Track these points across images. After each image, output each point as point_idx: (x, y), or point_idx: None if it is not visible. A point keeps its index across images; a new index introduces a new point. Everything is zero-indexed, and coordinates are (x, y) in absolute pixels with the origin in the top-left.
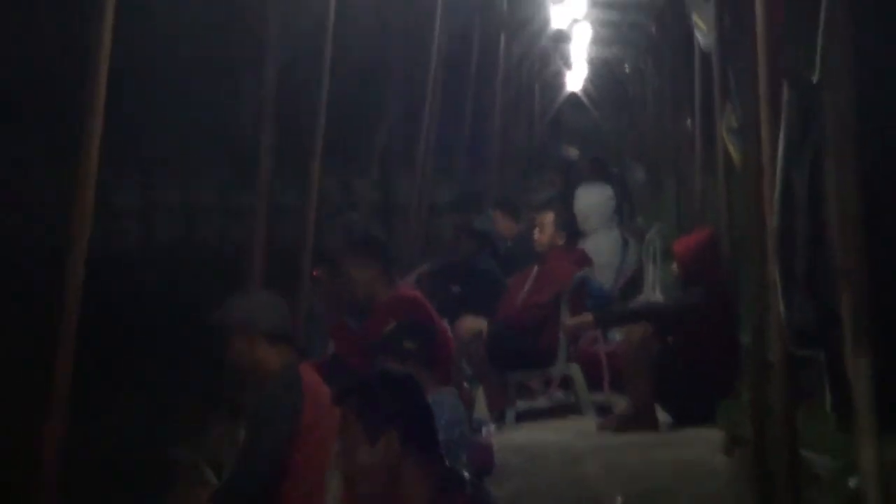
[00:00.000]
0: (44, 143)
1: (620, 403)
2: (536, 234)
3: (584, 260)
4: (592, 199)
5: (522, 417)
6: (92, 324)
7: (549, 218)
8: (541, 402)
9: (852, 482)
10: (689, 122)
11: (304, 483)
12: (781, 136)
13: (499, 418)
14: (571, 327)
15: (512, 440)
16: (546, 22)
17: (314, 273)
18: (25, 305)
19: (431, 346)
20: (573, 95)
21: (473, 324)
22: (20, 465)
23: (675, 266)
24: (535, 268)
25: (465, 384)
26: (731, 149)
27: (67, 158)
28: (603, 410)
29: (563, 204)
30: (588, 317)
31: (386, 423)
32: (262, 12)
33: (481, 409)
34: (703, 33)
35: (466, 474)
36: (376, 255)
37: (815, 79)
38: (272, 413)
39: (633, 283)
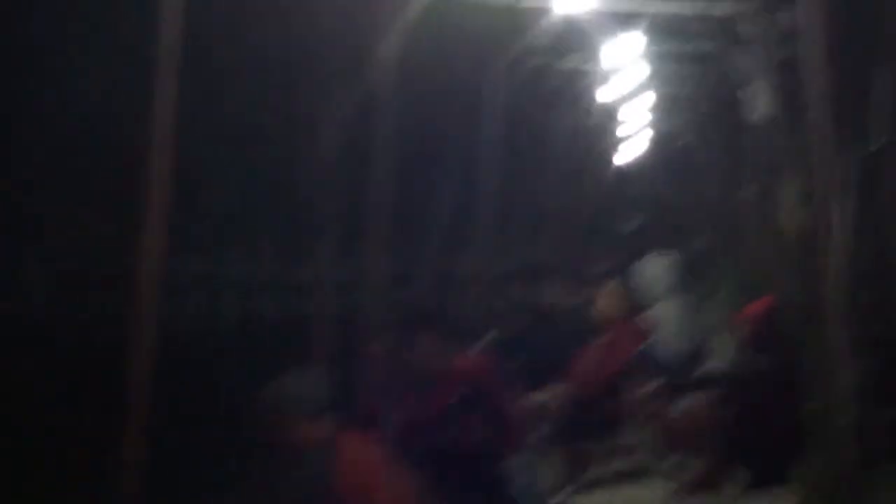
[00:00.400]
0: (109, 212)
1: (691, 468)
2: (598, 306)
3: (651, 328)
4: (656, 269)
5: (593, 484)
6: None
7: (610, 289)
8: (612, 468)
9: None
10: (748, 192)
11: None
12: (847, 202)
13: (569, 486)
14: (640, 395)
15: None
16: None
17: (374, 349)
18: (94, 381)
19: (499, 415)
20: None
21: (546, 395)
22: None
23: (738, 333)
24: (600, 339)
25: (536, 453)
26: (791, 218)
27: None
28: (675, 475)
29: (626, 274)
30: (656, 384)
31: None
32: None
33: (553, 476)
34: (756, 107)
35: None
36: (439, 328)
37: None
38: (311, 488)
39: (701, 351)
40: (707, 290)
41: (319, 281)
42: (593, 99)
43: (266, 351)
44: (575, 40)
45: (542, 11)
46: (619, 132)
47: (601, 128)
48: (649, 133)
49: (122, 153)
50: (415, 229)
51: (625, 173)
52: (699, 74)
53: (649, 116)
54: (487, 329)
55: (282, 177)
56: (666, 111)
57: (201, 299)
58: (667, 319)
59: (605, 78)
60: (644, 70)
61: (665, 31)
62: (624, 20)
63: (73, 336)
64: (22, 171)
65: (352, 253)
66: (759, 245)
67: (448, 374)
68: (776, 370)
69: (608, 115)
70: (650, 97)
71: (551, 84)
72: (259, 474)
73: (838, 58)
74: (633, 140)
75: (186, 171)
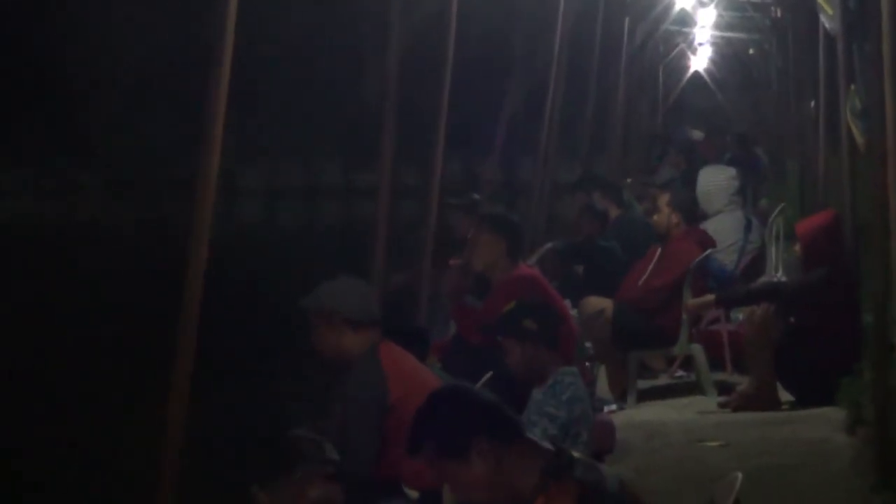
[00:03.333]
0: (172, 130)
1: (742, 382)
2: (655, 216)
3: (707, 241)
4: (716, 181)
5: (644, 396)
6: (216, 307)
7: (664, 199)
8: (662, 380)
9: None
10: (812, 104)
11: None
12: None
13: (620, 397)
14: (694, 307)
15: (633, 418)
16: (670, 5)
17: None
18: (149, 286)
19: (552, 325)
20: (697, 76)
21: (598, 303)
22: (146, 444)
23: (797, 247)
24: (659, 249)
25: (587, 363)
26: (855, 132)
27: (195, 144)
28: (725, 389)
29: (686, 185)
30: (710, 297)
31: (462, 438)
32: None
33: (603, 388)
34: (828, 16)
35: (577, 454)
36: (506, 233)
37: None
38: (361, 399)
39: (756, 265)
40: (769, 203)
41: (382, 188)
42: (664, 10)
43: (324, 259)
44: None
45: None
46: (687, 44)
47: (669, 39)
48: (717, 43)
49: (183, 65)
50: (480, 140)
51: (690, 84)
52: None
53: (717, 28)
54: (547, 237)
55: (347, 90)
56: (732, 23)
57: (261, 207)
58: (725, 231)
59: None
60: None
61: None
62: None
63: (130, 242)
64: (81, 82)
65: (414, 163)
66: (821, 158)
67: (504, 281)
68: (833, 285)
69: (677, 25)
70: (716, 8)
71: None
72: (305, 382)
73: None
74: (700, 51)
75: (249, 81)
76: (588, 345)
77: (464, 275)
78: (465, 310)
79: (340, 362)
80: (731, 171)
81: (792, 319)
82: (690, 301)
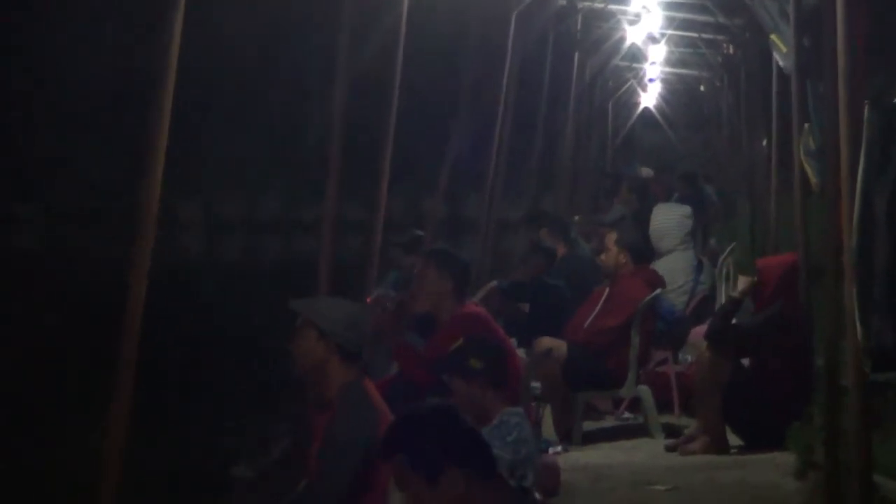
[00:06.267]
0: (112, 161)
1: (690, 425)
2: (603, 255)
3: (656, 281)
4: (670, 219)
5: (590, 438)
6: (155, 336)
7: (612, 238)
8: (609, 422)
9: None
10: (764, 142)
11: (386, 494)
12: (862, 157)
13: (566, 438)
14: (642, 349)
15: (579, 460)
16: (621, 41)
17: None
18: (89, 315)
19: (499, 364)
20: (647, 113)
21: (551, 343)
22: (82, 475)
23: (751, 288)
24: (606, 289)
25: (533, 403)
26: (809, 171)
27: (134, 171)
28: (672, 432)
29: (638, 223)
30: (658, 338)
31: (440, 461)
32: (334, 22)
33: (548, 429)
34: (782, 54)
35: (537, 495)
36: (453, 270)
37: None
38: (348, 436)
39: (705, 305)
40: (719, 243)
41: (326, 221)
42: (614, 46)
43: (264, 295)
44: None
45: None
46: (637, 80)
47: (619, 75)
48: (668, 79)
49: (124, 95)
50: (425, 175)
51: (640, 121)
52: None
53: (668, 64)
54: (493, 275)
55: (287, 119)
56: (683, 59)
57: (201, 239)
58: (677, 271)
59: (623, 25)
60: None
61: None
62: None
63: (70, 272)
64: (23, 112)
65: (358, 197)
66: (773, 197)
67: (451, 319)
68: (785, 326)
69: (627, 61)
70: (667, 44)
71: (571, 31)
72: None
73: (865, 7)
74: (651, 87)
75: (188, 113)
76: (535, 384)
77: (399, 312)
78: (407, 348)
79: (314, 379)
80: (686, 210)
81: (742, 361)
82: (641, 341)
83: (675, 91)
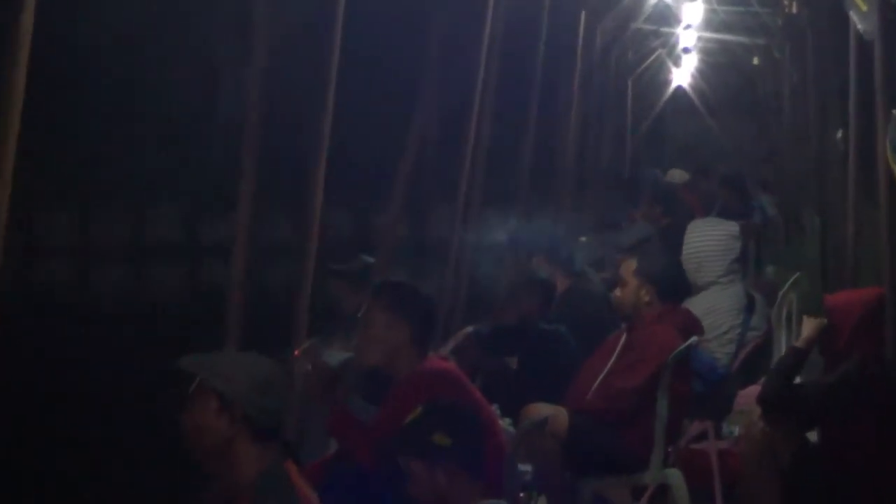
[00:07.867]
0: None
1: None
2: (618, 290)
3: (692, 326)
4: (711, 240)
5: None
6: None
7: (631, 267)
8: None
9: None
10: (839, 134)
11: None
12: None
13: None
14: (671, 420)
15: None
16: None
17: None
18: None
19: (473, 441)
20: (680, 93)
21: (544, 411)
22: None
23: (824, 334)
24: (623, 336)
25: (521, 495)
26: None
27: None
28: None
29: (666, 247)
30: (694, 404)
31: None
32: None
33: None
34: (861, 14)
35: None
36: (412, 312)
37: None
38: None
39: (757, 358)
40: (777, 273)
41: (238, 246)
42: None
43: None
44: None
45: None
46: (667, 50)
47: (642, 43)
48: (708, 50)
49: None
50: (377, 184)
51: (671, 105)
52: None
53: (708, 28)
54: (469, 318)
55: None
56: (729, 22)
57: (67, 267)
58: (720, 312)
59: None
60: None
61: None
62: None
63: None
64: None
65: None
66: (852, 209)
67: (406, 379)
68: (871, 386)
69: (654, 24)
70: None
71: None
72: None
73: None
74: (685, 61)
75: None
76: (524, 468)
77: (338, 369)
78: (349, 419)
79: (215, 465)
80: (732, 228)
81: (808, 435)
82: (670, 408)
83: (718, 65)
